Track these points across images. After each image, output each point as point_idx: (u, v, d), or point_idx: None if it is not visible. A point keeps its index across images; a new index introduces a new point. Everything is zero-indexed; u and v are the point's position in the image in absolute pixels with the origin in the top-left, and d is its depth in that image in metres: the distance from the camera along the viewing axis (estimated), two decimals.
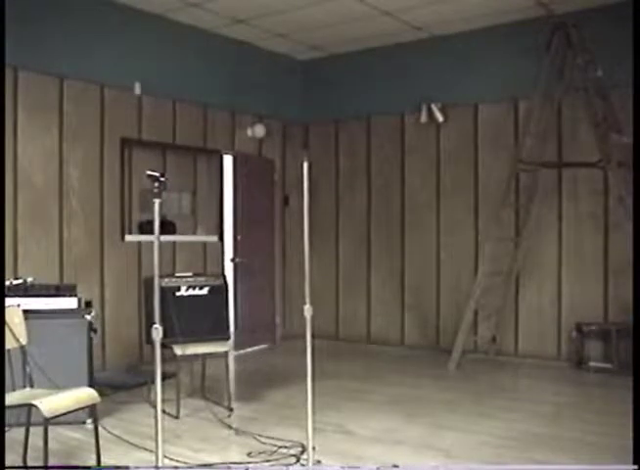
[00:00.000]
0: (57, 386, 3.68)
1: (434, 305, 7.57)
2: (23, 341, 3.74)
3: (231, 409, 5.00)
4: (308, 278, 3.73)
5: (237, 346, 7.19)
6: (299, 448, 4.04)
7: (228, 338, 5.29)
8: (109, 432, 4.23)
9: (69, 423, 4.13)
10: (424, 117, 7.43)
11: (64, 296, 4.68)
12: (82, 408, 3.63)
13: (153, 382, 3.43)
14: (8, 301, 4.06)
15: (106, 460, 3.72)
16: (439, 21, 6.95)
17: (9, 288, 4.49)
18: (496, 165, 7.03)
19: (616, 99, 6.15)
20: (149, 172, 3.30)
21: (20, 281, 4.65)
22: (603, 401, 5.38)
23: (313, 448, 3.69)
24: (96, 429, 3.63)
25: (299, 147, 8.25)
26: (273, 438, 4.26)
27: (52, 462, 3.47)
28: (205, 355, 5.29)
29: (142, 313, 5.75)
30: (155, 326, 3.29)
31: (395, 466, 3.73)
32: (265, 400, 5.38)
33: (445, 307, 7.44)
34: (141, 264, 6.52)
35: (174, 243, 6.92)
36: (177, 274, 5.47)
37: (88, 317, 4.61)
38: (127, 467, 3.71)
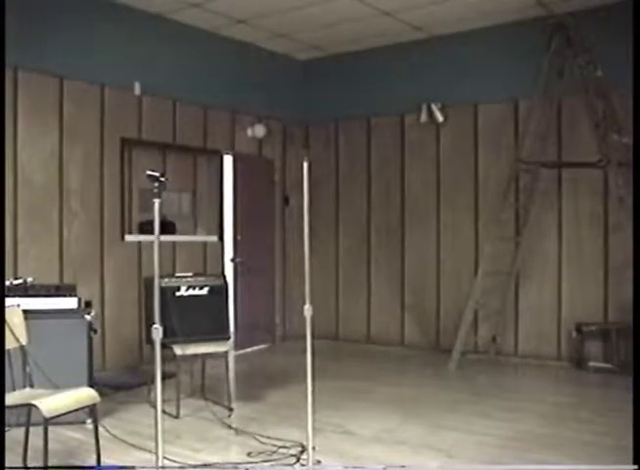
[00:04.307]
0: (57, 386, 3.68)
1: (434, 305, 7.57)
2: (23, 341, 3.74)
3: (231, 409, 5.00)
4: (308, 278, 3.73)
5: (237, 346, 7.19)
6: (299, 448, 4.05)
7: (228, 338, 5.29)
8: (109, 432, 4.23)
9: (69, 423, 4.14)
10: (424, 117, 7.43)
11: (64, 296, 4.68)
12: (82, 408, 3.63)
13: (153, 382, 3.43)
14: (8, 301, 4.06)
15: (106, 460, 3.72)
16: (439, 21, 6.95)
17: (9, 288, 4.49)
18: (496, 165, 7.04)
19: (616, 99, 6.15)
20: (149, 172, 3.30)
21: (20, 281, 4.64)
22: (603, 401, 5.38)
23: (313, 448, 3.69)
24: (96, 429, 3.64)
25: (299, 147, 8.25)
26: (273, 438, 4.27)
27: (52, 462, 3.47)
28: (205, 355, 5.29)
29: (142, 313, 5.75)
30: (155, 326, 3.29)
31: (402, 467, 3.73)
32: (265, 400, 5.38)
33: (445, 307, 7.44)
34: (141, 264, 6.52)
35: (174, 243, 6.91)
36: (177, 274, 5.47)
37: (88, 317, 4.61)
38: (133, 467, 3.71)
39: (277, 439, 4.24)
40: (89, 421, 4.17)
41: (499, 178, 6.87)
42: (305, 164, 3.73)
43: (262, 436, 4.32)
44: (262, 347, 7.84)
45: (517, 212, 6.93)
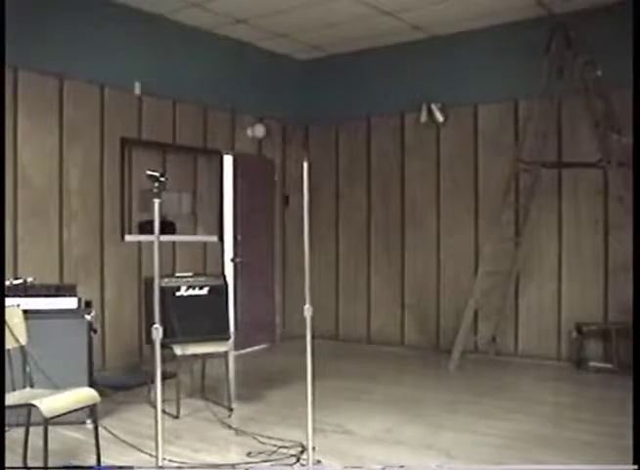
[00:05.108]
0: (57, 386, 3.67)
1: (434, 305, 7.57)
2: (23, 341, 3.74)
3: (231, 409, 5.00)
4: (308, 278, 3.73)
5: (237, 346, 7.19)
6: (299, 448, 4.04)
7: (228, 338, 5.29)
8: (109, 432, 4.23)
9: (69, 423, 4.13)
10: (424, 117, 7.43)
11: (64, 296, 4.68)
12: (82, 408, 3.63)
13: (153, 382, 3.43)
14: (8, 301, 4.06)
15: (106, 460, 3.72)
16: (439, 21, 6.95)
17: (9, 288, 4.49)
18: (496, 165, 7.04)
19: (616, 99, 6.15)
20: (149, 172, 3.30)
21: (20, 281, 4.65)
22: (603, 401, 5.38)
23: (313, 448, 3.69)
24: (96, 429, 3.63)
25: (299, 147, 8.25)
26: (273, 438, 4.27)
27: (52, 462, 3.47)
28: (205, 355, 5.29)
29: (142, 313, 5.75)
30: (155, 326, 3.29)
31: (401, 466, 3.73)
32: (265, 400, 5.38)
33: (445, 307, 7.44)
34: (141, 264, 6.52)
35: (174, 243, 6.91)
36: (177, 274, 5.47)
37: (88, 317, 4.61)
38: (131, 467, 3.71)
39: (277, 439, 4.23)
40: (89, 421, 4.17)
41: (499, 178, 6.87)
42: (305, 165, 3.73)
43: (262, 436, 4.32)
44: (262, 347, 7.84)
45: (517, 212, 6.93)
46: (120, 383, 5.66)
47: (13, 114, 5.59)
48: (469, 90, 7.20)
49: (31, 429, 3.68)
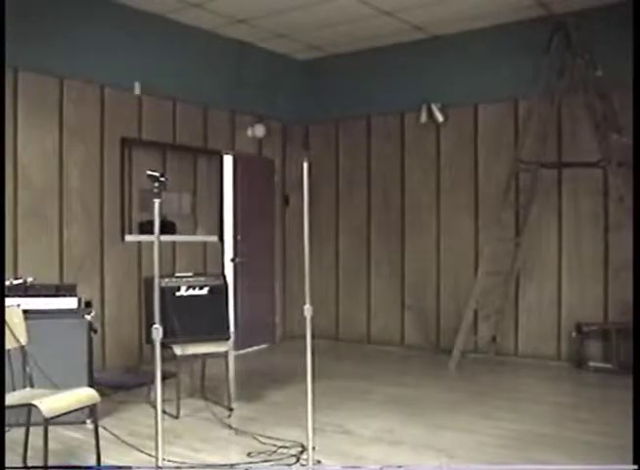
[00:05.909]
0: (57, 386, 3.68)
1: (434, 305, 7.57)
2: (23, 341, 3.74)
3: (231, 409, 5.00)
4: (308, 278, 3.73)
5: (237, 346, 7.17)
6: (299, 448, 4.04)
7: (228, 338, 5.29)
8: (109, 432, 4.23)
9: (70, 423, 4.13)
10: (424, 117, 7.43)
11: (64, 296, 4.68)
12: (82, 408, 3.64)
13: (153, 382, 3.43)
14: (8, 301, 4.05)
15: (106, 460, 3.72)
16: (439, 21, 6.95)
17: (9, 288, 4.48)
18: (496, 165, 7.04)
19: (616, 99, 6.15)
20: (149, 172, 3.30)
21: (20, 281, 4.64)
22: (603, 401, 5.38)
23: (313, 448, 3.69)
24: (96, 429, 3.63)
25: (299, 147, 8.25)
26: (273, 438, 4.27)
27: (52, 462, 3.47)
28: (205, 355, 5.29)
29: (142, 313, 5.75)
30: (155, 326, 3.29)
31: (400, 467, 3.73)
32: (265, 400, 5.38)
33: (445, 307, 7.44)
34: (141, 264, 6.52)
35: (174, 243, 6.92)
36: (177, 274, 5.47)
37: (88, 317, 4.61)
38: (131, 467, 3.71)
39: (277, 439, 4.24)
40: (89, 421, 4.17)
41: (499, 178, 6.87)
42: (305, 165, 3.73)
43: (262, 436, 4.32)
44: (262, 347, 7.84)
45: (517, 212, 6.93)
46: (120, 383, 5.66)
47: (13, 114, 5.59)
48: (469, 90, 7.20)
49: (31, 429, 3.68)
